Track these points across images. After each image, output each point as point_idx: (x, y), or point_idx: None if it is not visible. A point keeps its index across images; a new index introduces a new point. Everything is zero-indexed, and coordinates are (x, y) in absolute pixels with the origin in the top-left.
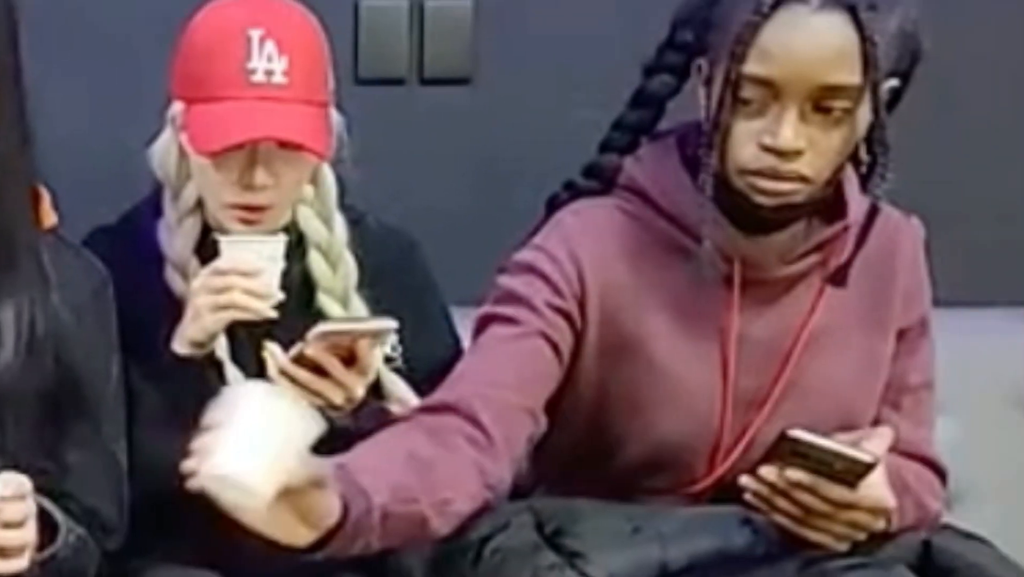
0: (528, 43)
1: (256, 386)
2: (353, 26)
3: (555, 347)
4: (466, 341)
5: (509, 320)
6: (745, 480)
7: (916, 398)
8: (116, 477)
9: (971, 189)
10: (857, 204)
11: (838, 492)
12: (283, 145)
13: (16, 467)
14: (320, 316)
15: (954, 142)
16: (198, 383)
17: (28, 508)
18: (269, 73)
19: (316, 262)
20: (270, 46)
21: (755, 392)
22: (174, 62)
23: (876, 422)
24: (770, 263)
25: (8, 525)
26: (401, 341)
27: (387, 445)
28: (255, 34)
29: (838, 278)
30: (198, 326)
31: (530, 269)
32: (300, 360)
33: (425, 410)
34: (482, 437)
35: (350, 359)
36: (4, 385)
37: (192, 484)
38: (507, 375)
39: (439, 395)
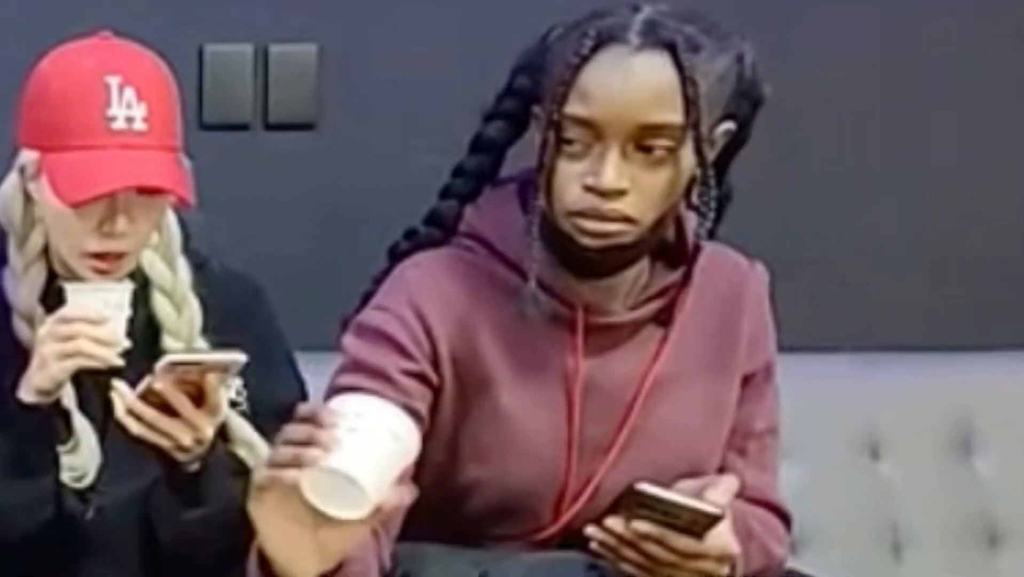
0: (372, 89)
1: (387, 404)
2: (198, 71)
3: (416, 414)
4: (311, 387)
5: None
6: (591, 530)
7: (761, 444)
8: None
9: (816, 234)
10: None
11: (684, 543)
12: (145, 192)
13: None
14: None
15: (799, 187)
16: (44, 432)
17: None
18: (130, 120)
19: (161, 305)
20: (129, 93)
21: (600, 439)
22: (23, 110)
23: (722, 468)
24: (612, 308)
25: None
26: (246, 385)
27: None
28: (113, 81)
29: (663, 317)
30: (44, 374)
31: (378, 334)
32: (147, 397)
33: None
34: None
35: (199, 398)
36: None
37: (290, 474)
38: None
39: None
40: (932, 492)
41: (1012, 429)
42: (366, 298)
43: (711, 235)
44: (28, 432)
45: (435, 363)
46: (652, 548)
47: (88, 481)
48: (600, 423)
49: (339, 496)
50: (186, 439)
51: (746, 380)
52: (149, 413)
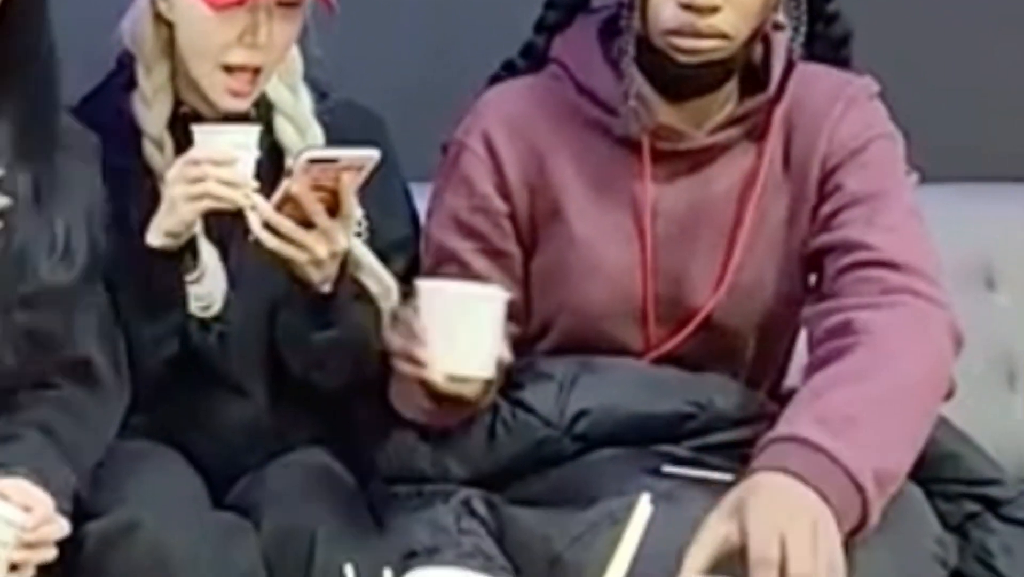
0: None
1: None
2: None
3: (500, 253)
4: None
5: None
6: None
7: (868, 208)
8: (112, 337)
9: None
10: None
11: None
12: (284, 3)
13: None
14: None
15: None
16: (172, 268)
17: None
18: None
19: (284, 129)
20: None
21: (690, 265)
22: None
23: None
24: (692, 132)
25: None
26: (367, 217)
27: None
28: None
29: (753, 135)
30: (174, 217)
31: (456, 173)
32: (283, 208)
33: None
34: None
35: (332, 209)
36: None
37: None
38: None
39: None
40: None
41: None
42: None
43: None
44: (157, 269)
45: (506, 194)
46: None
47: (215, 310)
48: (682, 247)
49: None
50: (321, 250)
51: (830, 174)
52: (286, 224)
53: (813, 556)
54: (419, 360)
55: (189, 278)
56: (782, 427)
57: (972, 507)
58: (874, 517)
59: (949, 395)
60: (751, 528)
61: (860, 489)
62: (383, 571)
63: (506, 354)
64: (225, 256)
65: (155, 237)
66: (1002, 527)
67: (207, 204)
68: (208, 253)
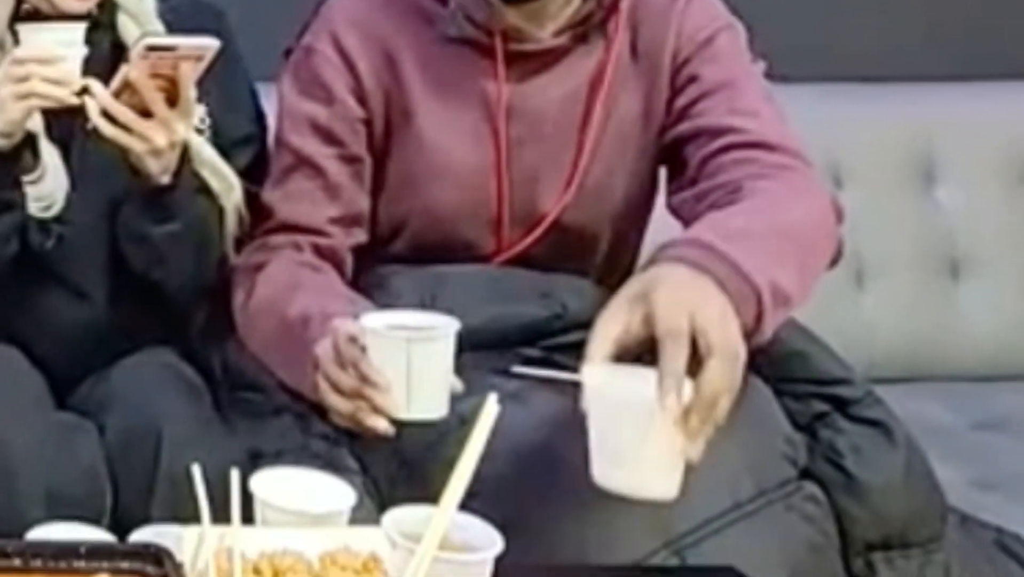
0: None
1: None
2: None
3: (356, 159)
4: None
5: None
6: None
7: (726, 95)
8: None
9: None
10: None
11: None
12: None
13: None
14: None
15: None
16: (8, 176)
17: None
18: None
19: (126, 27)
20: None
21: (542, 165)
22: None
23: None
24: (536, 34)
25: None
26: (210, 114)
27: None
28: None
29: (590, 40)
30: (3, 118)
31: (309, 78)
32: (121, 95)
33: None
34: None
35: (171, 99)
36: None
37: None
38: None
39: None
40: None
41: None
42: (303, 30)
43: None
44: None
45: (361, 98)
46: None
47: (56, 210)
48: (534, 148)
49: None
50: (160, 139)
51: (681, 67)
52: (124, 112)
53: (724, 328)
54: (377, 406)
55: (28, 178)
56: (676, 237)
57: (821, 407)
58: (767, 330)
59: (836, 260)
60: (658, 310)
61: (755, 290)
62: (230, 472)
63: (458, 386)
64: (67, 156)
65: None
66: (850, 427)
67: (34, 103)
68: (48, 152)
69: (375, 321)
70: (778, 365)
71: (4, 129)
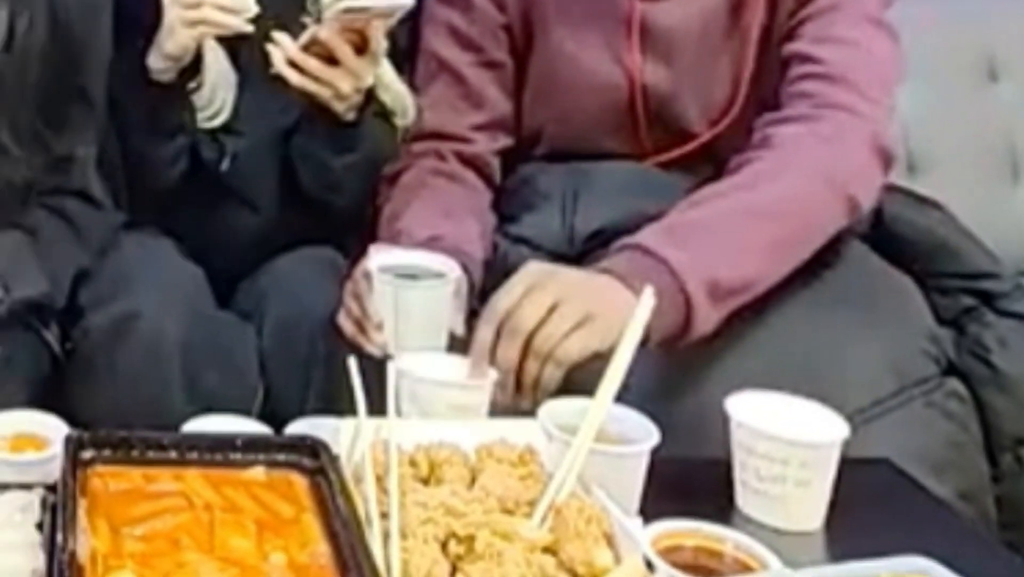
0: None
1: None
2: None
3: (498, 65)
4: None
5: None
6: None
7: (827, 19)
8: (111, 166)
9: None
10: None
11: None
12: None
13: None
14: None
15: None
16: (175, 102)
17: None
18: None
19: None
20: None
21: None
22: None
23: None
24: None
25: None
26: None
27: None
28: None
29: None
30: (173, 41)
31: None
32: (310, 47)
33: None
34: None
35: (360, 47)
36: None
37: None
38: None
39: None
40: None
41: None
42: None
43: None
44: (159, 99)
45: (500, 4)
46: None
47: (225, 116)
48: (671, 66)
49: None
50: (346, 87)
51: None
52: (312, 63)
53: (553, 322)
54: (370, 339)
55: (191, 86)
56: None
57: (968, 301)
58: (700, 326)
59: (854, 209)
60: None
61: (683, 291)
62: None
63: (459, 328)
64: (235, 59)
65: (156, 60)
66: (998, 321)
67: (203, 30)
68: (215, 57)
69: (384, 260)
70: (927, 259)
71: (172, 52)
